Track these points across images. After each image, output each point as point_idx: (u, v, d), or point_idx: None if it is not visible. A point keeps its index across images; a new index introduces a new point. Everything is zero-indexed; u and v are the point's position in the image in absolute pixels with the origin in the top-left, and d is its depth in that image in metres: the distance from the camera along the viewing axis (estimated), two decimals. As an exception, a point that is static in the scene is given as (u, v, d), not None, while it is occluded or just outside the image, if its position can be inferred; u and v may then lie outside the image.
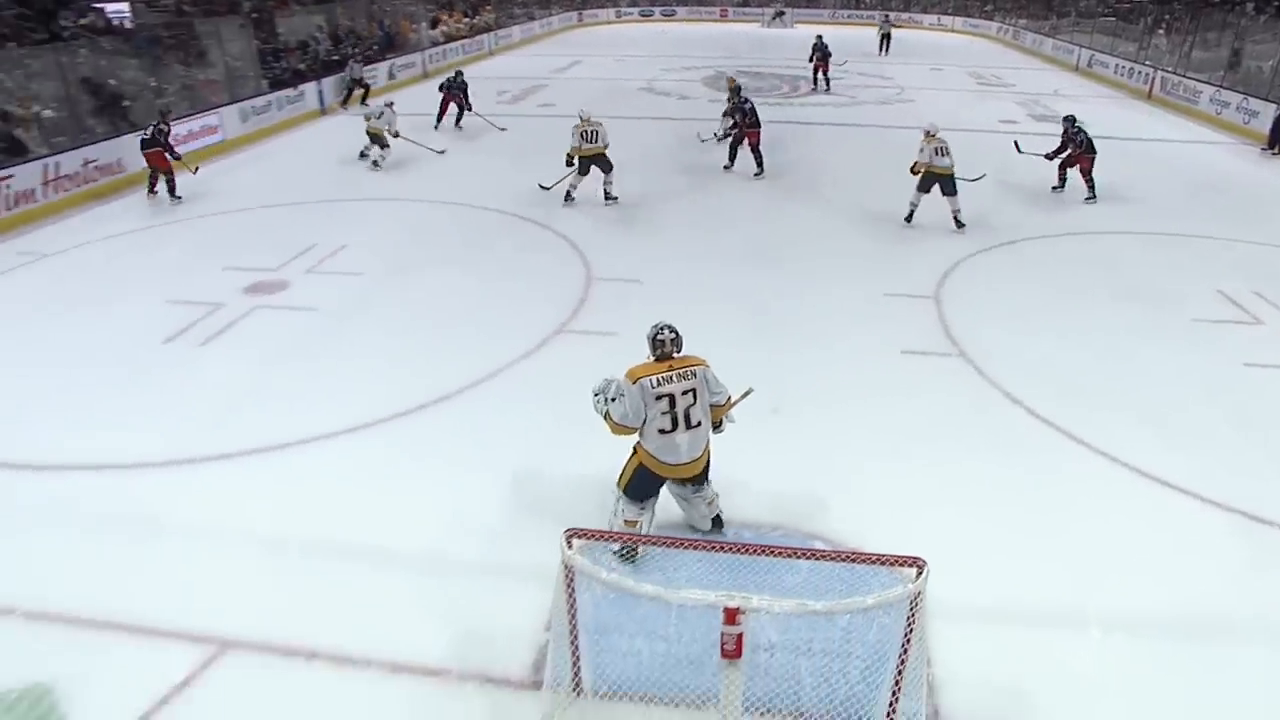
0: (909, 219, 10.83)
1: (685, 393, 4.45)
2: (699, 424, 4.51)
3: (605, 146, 11.27)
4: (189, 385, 6.88)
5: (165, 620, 4.41)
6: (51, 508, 5.37)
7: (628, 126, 16.81)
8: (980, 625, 4.45)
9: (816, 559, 3.52)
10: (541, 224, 10.84)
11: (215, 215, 11.33)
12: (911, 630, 3.38)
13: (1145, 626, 4.51)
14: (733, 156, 13.38)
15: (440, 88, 16.59)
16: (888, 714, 3.65)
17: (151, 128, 11.47)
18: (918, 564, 3.30)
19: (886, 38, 29.81)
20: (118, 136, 12.80)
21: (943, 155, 10.43)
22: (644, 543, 3.90)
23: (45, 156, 11.65)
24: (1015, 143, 12.59)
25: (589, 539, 3.46)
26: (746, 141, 13.03)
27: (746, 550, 3.57)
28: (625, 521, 4.75)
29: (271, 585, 4.72)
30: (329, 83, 18.60)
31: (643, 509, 4.77)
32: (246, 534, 5.13)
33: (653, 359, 4.60)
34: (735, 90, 13.58)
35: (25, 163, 11.32)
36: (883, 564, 3.37)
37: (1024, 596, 4.68)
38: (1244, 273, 9.45)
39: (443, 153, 14.26)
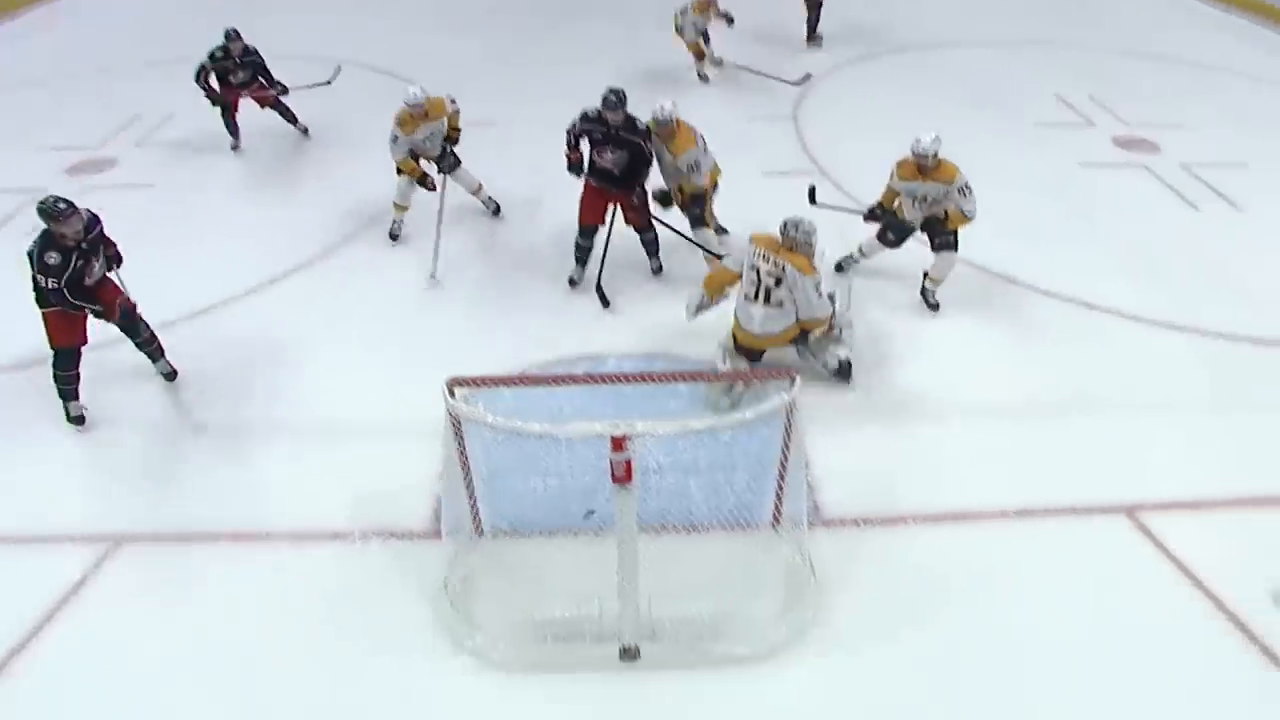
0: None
1: (769, 274, 4.73)
2: (780, 304, 4.73)
3: None
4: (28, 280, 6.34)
5: (52, 525, 4.30)
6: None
7: None
8: (850, 428, 4.78)
9: (695, 381, 3.65)
10: (385, 71, 10.18)
11: (13, 88, 10.12)
12: (789, 438, 3.61)
13: (997, 414, 4.95)
14: None
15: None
16: (774, 515, 3.96)
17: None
18: (790, 375, 3.48)
19: None
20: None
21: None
22: (525, 384, 3.95)
23: None
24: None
25: (471, 386, 3.48)
26: None
27: (626, 379, 3.68)
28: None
29: (160, 473, 4.63)
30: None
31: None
32: (128, 423, 4.98)
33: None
34: None
35: None
36: (757, 378, 3.55)
37: (889, 397, 5.05)
38: (1079, 77, 9.84)
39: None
